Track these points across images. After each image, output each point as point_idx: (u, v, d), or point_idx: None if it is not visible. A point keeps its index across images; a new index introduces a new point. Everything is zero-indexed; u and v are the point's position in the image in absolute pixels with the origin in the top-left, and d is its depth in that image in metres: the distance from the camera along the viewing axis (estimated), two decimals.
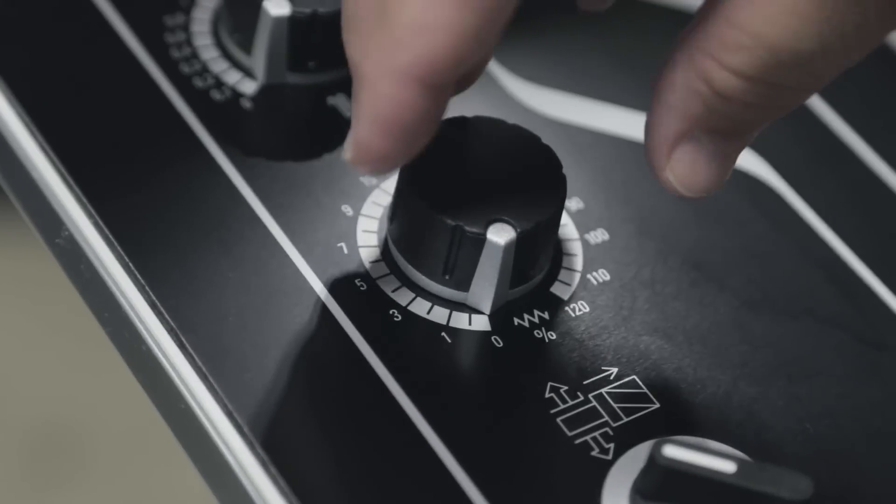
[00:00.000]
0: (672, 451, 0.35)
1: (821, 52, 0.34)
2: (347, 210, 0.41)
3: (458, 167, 0.38)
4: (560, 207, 0.39)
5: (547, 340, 0.39)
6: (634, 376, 0.39)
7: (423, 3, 0.32)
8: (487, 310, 0.39)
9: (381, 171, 0.36)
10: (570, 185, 0.40)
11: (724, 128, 0.36)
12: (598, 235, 0.41)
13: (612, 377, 0.39)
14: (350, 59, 0.35)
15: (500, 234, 0.38)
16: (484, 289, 0.38)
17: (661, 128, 0.36)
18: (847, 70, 0.36)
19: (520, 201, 0.38)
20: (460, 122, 0.39)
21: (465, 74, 0.36)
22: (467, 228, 0.37)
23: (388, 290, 0.39)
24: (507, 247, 0.38)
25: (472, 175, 0.39)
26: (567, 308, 0.40)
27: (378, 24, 0.33)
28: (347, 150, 0.35)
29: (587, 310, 0.40)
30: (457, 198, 0.38)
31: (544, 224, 0.39)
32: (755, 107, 0.35)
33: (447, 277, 0.39)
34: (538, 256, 0.39)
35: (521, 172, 0.39)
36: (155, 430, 0.43)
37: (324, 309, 0.39)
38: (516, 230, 0.38)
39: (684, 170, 0.37)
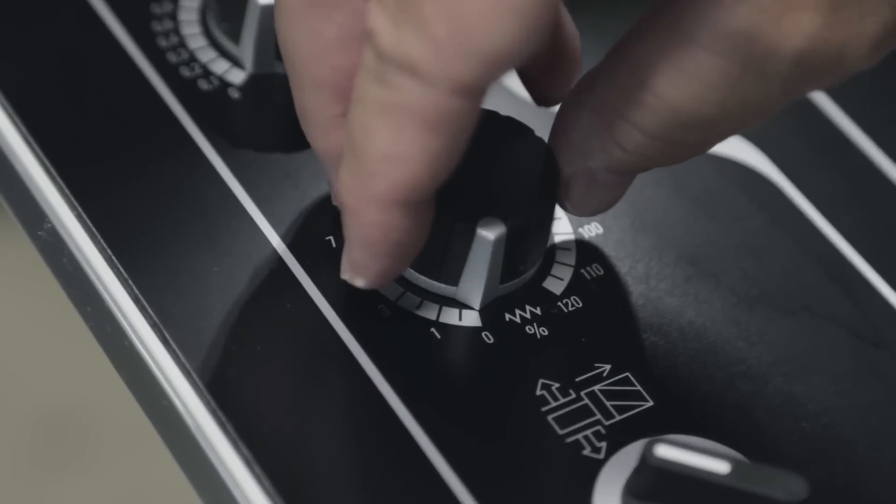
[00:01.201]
0: (664, 451, 0.34)
1: (721, 118, 0.34)
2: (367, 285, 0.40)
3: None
4: (553, 202, 0.38)
5: (539, 336, 0.38)
6: (628, 373, 0.38)
7: (391, 134, 0.32)
8: (477, 305, 0.38)
9: (380, 285, 0.37)
10: None
11: (621, 168, 0.37)
12: (592, 229, 0.40)
13: (605, 374, 0.38)
14: (331, 188, 0.37)
15: (490, 229, 0.37)
16: (473, 284, 0.38)
17: (560, 157, 0.37)
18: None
19: (513, 195, 0.38)
20: None
21: None
22: (457, 222, 0.37)
23: None
24: (497, 241, 0.37)
25: (465, 168, 0.38)
26: (560, 303, 0.39)
27: (351, 157, 0.34)
28: (345, 271, 0.36)
29: (580, 305, 0.39)
30: (448, 191, 0.37)
31: (537, 219, 0.38)
32: (653, 157, 0.36)
33: (437, 272, 0.38)
34: (530, 251, 0.39)
35: (515, 165, 0.38)
36: None
37: (310, 303, 0.38)
38: (507, 224, 0.37)
39: (578, 194, 0.38)
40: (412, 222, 0.34)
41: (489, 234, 0.37)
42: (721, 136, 0.36)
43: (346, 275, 0.36)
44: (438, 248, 0.37)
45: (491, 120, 0.39)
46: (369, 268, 0.35)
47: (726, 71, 0.33)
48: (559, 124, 0.37)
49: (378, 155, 0.33)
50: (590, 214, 0.39)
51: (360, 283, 0.36)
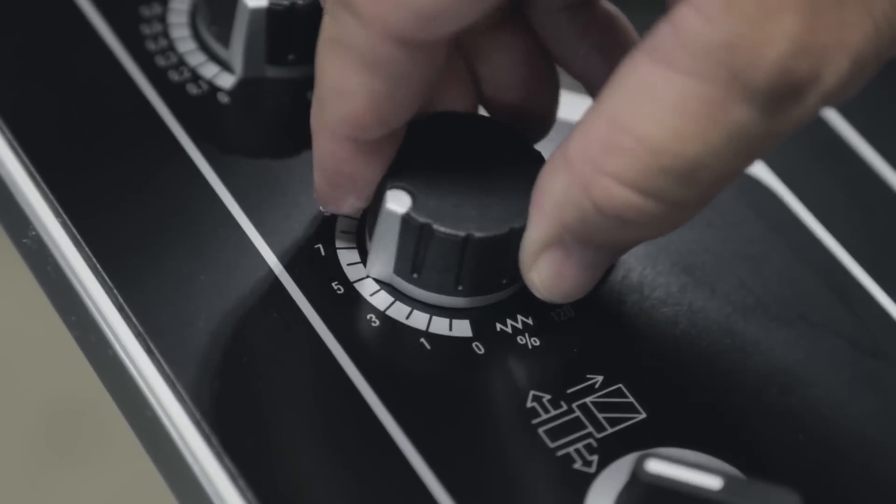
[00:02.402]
0: (656, 467, 0.33)
1: (706, 158, 0.32)
2: (325, 210, 0.39)
3: (438, 167, 0.37)
4: None
5: (530, 347, 0.38)
6: (621, 384, 0.37)
7: (338, 68, 0.34)
8: (376, 275, 0.37)
9: (341, 212, 0.37)
10: None
11: (597, 241, 0.35)
12: None
13: (597, 385, 0.37)
14: None
15: (397, 203, 0.36)
16: (381, 259, 0.37)
17: (533, 229, 0.35)
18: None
19: (500, 202, 0.37)
20: (439, 118, 0.38)
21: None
22: (437, 228, 0.36)
23: (365, 293, 0.38)
24: (405, 217, 0.36)
25: (453, 176, 0.37)
26: (552, 313, 0.38)
27: (315, 85, 0.35)
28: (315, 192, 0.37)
29: (573, 315, 0.38)
30: (435, 199, 0.37)
31: (520, 230, 0.37)
32: (633, 224, 0.33)
33: (415, 276, 0.37)
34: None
35: (505, 170, 0.38)
36: None
37: (298, 313, 0.37)
38: (414, 197, 0.36)
39: (549, 274, 0.36)
40: (363, 159, 0.35)
41: (398, 208, 0.36)
42: (706, 192, 0.33)
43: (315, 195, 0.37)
44: (417, 254, 0.37)
45: (490, 129, 0.38)
46: (325, 193, 0.37)
47: (707, 96, 0.31)
48: (533, 197, 0.35)
49: (328, 86, 0.34)
50: (558, 300, 0.36)
51: (323, 207, 0.37)
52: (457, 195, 0.37)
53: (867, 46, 0.31)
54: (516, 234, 0.36)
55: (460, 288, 0.37)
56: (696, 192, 0.33)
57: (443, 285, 0.37)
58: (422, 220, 0.36)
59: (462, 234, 0.36)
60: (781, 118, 0.32)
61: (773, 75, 0.31)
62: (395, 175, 0.37)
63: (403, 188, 0.36)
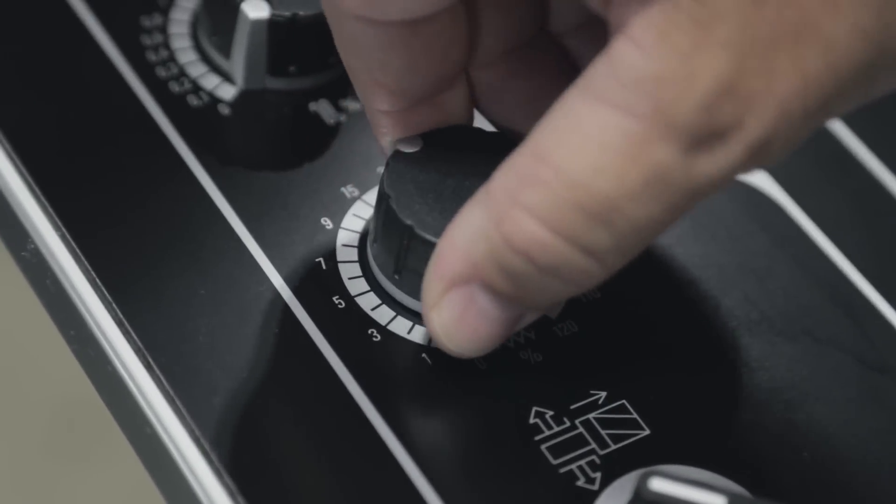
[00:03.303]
0: (659, 485, 0.33)
1: (621, 199, 0.30)
2: (327, 223, 0.39)
3: (440, 181, 0.37)
4: None
5: (532, 362, 0.37)
6: (624, 401, 0.37)
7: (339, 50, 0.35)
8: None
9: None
10: None
11: (503, 289, 0.32)
12: None
13: (600, 402, 0.37)
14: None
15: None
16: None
17: (440, 262, 0.33)
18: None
19: None
20: (441, 133, 0.37)
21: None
22: (419, 232, 0.35)
23: (367, 308, 0.38)
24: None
25: (455, 189, 0.37)
26: (555, 328, 0.38)
27: None
28: None
29: (576, 330, 0.38)
30: (438, 213, 0.36)
31: None
32: (543, 270, 0.32)
33: (396, 277, 0.37)
34: None
35: None
36: None
37: (299, 328, 0.37)
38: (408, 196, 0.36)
39: (450, 319, 0.33)
40: (379, 41, 0.34)
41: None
42: (623, 237, 0.31)
43: None
44: (401, 256, 0.36)
45: (482, 137, 0.38)
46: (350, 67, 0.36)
47: (629, 131, 0.30)
48: (451, 223, 0.33)
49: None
50: (456, 351, 0.34)
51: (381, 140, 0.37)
52: (448, 204, 0.36)
53: (795, 100, 0.30)
54: None
55: None
56: (610, 239, 0.31)
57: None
58: (407, 221, 0.36)
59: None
60: (703, 165, 0.30)
61: (697, 113, 0.30)
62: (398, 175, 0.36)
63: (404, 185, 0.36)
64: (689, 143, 0.30)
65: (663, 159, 0.30)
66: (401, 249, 0.36)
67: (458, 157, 0.37)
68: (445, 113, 0.36)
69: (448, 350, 0.34)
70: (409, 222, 0.36)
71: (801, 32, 0.30)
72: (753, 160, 0.31)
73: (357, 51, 0.35)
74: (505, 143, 0.37)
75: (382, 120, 0.36)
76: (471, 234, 0.32)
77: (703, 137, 0.30)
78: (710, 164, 0.30)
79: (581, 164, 0.30)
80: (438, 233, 0.36)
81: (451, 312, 0.33)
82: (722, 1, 0.30)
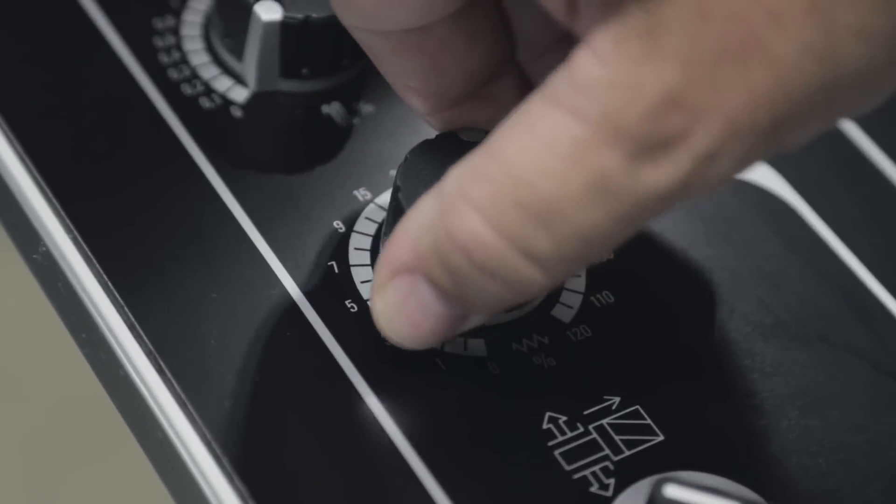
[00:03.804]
0: (674, 491, 0.33)
1: (562, 201, 0.30)
2: (339, 226, 0.39)
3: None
4: None
5: (546, 367, 0.37)
6: (638, 406, 0.37)
7: None
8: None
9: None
10: None
11: (443, 284, 0.32)
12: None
13: (614, 407, 0.37)
14: None
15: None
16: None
17: (391, 247, 0.33)
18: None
19: None
20: (452, 136, 0.37)
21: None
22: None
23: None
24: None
25: None
26: (568, 332, 0.38)
27: None
28: None
29: (589, 334, 0.38)
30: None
31: None
32: (482, 269, 0.31)
33: None
34: None
35: None
36: None
37: (311, 332, 0.37)
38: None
39: (392, 304, 0.33)
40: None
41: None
42: (563, 244, 0.30)
43: None
44: None
45: None
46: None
47: (577, 134, 0.30)
48: (408, 211, 0.33)
49: None
50: (394, 338, 0.34)
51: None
52: None
53: (743, 115, 0.30)
54: None
55: None
56: (551, 244, 0.31)
57: None
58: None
59: None
60: (648, 174, 0.30)
61: (643, 121, 0.30)
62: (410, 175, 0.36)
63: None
64: (634, 151, 0.30)
65: (608, 165, 0.30)
66: None
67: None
68: (497, 106, 0.36)
69: (388, 337, 0.34)
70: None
71: (748, 48, 0.30)
72: (701, 174, 0.30)
73: (378, 59, 0.35)
74: None
75: (431, 122, 0.36)
76: (420, 224, 0.32)
77: (649, 146, 0.30)
78: (656, 174, 0.30)
79: (527, 162, 0.30)
80: None
81: (394, 299, 0.33)
82: (669, 12, 0.30)
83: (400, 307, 0.33)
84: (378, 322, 0.34)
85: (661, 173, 0.30)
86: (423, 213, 0.32)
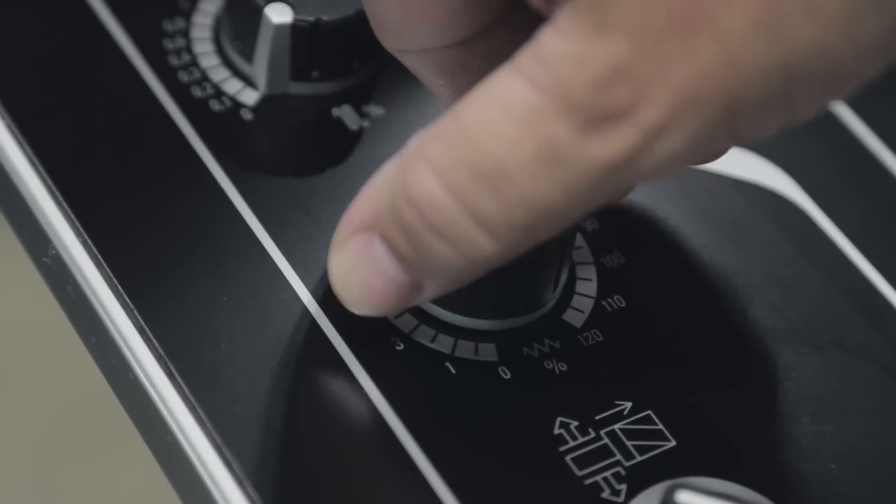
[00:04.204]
0: (686, 497, 0.33)
1: (511, 165, 0.30)
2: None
3: None
4: (574, 231, 0.37)
5: (557, 372, 0.37)
6: (650, 411, 0.37)
7: None
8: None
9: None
10: None
11: (397, 243, 0.32)
12: (614, 259, 0.39)
13: (625, 412, 0.37)
14: None
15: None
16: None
17: (353, 206, 0.33)
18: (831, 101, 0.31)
19: None
20: None
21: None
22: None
23: (390, 316, 0.37)
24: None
25: None
26: (580, 337, 0.38)
27: None
28: None
29: (601, 339, 0.38)
30: None
31: (556, 244, 0.36)
32: (430, 230, 0.31)
33: (460, 306, 0.37)
34: (548, 281, 0.37)
35: None
36: None
37: (321, 335, 0.37)
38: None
39: (348, 264, 0.33)
40: None
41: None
42: (510, 211, 0.31)
43: None
44: None
45: None
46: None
47: (531, 102, 0.30)
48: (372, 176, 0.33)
49: None
50: (346, 300, 0.34)
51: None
52: None
53: (690, 90, 0.30)
54: (523, 261, 0.36)
55: (460, 307, 0.36)
56: (498, 209, 0.31)
57: (444, 300, 0.36)
58: None
59: None
60: (596, 146, 0.30)
61: (591, 92, 0.30)
62: None
63: None
64: (582, 122, 0.30)
65: (557, 134, 0.30)
66: None
67: None
68: None
69: (341, 299, 0.34)
70: None
71: (696, 21, 0.30)
72: (648, 149, 0.30)
73: (426, 82, 0.35)
74: None
75: None
76: (382, 182, 0.32)
77: (597, 118, 0.30)
78: (603, 146, 0.30)
79: (483, 125, 0.31)
80: None
81: (350, 258, 0.33)
82: None
83: (355, 267, 0.33)
84: (332, 282, 0.34)
85: (609, 146, 0.30)
86: (386, 172, 0.33)
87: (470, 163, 0.31)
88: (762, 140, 0.32)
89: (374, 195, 0.33)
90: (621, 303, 0.38)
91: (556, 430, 0.36)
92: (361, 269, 0.33)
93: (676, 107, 0.30)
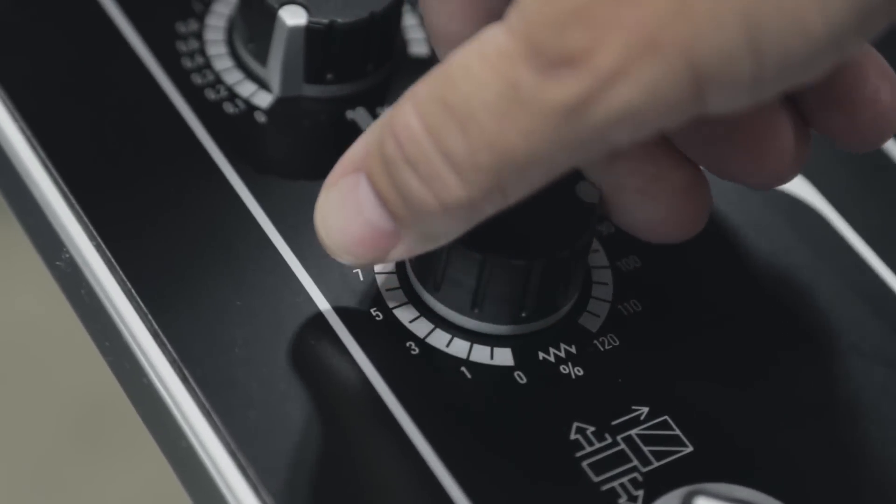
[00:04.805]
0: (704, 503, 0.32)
1: (476, 103, 0.31)
2: None
3: None
4: (590, 235, 0.37)
5: (573, 377, 0.37)
6: (667, 416, 0.36)
7: None
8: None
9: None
10: None
11: (377, 179, 0.33)
12: (630, 262, 0.39)
13: (642, 417, 0.36)
14: None
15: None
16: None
17: (351, 148, 0.34)
18: None
19: (550, 228, 0.36)
20: None
21: None
22: (495, 257, 0.35)
23: (405, 320, 0.37)
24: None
25: None
26: (596, 341, 0.37)
27: None
28: None
29: (617, 343, 0.37)
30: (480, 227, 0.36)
31: (575, 251, 0.36)
32: (405, 163, 0.32)
33: (475, 311, 0.36)
34: (567, 284, 0.37)
35: (552, 198, 0.37)
36: None
37: (336, 340, 0.37)
38: (537, 260, 0.35)
39: (334, 202, 0.34)
40: None
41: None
42: (476, 152, 0.31)
43: None
44: (478, 285, 0.36)
45: None
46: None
47: (503, 46, 0.31)
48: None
49: None
50: (326, 242, 0.34)
51: None
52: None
53: (644, 33, 0.30)
54: (539, 264, 0.35)
55: (476, 311, 0.36)
56: (464, 147, 0.31)
57: (460, 305, 0.36)
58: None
59: (479, 255, 0.35)
60: (553, 89, 0.30)
61: (550, 34, 0.30)
62: None
63: None
64: (542, 65, 0.30)
65: (520, 77, 0.31)
66: (440, 262, 0.36)
67: None
68: None
69: (320, 238, 0.35)
70: (480, 256, 0.35)
71: None
72: (602, 95, 0.30)
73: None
74: None
75: None
76: (376, 125, 0.34)
77: (554, 61, 0.30)
78: (559, 89, 0.30)
79: (460, 64, 0.31)
80: (480, 245, 0.35)
81: (335, 198, 0.34)
82: None
83: (338, 206, 0.34)
84: (315, 220, 0.35)
85: (564, 89, 0.30)
86: (381, 117, 0.34)
87: (443, 99, 0.31)
88: (734, 110, 0.31)
89: (367, 137, 0.34)
90: (637, 307, 0.38)
91: (573, 436, 0.36)
92: (343, 211, 0.34)
93: (631, 52, 0.30)
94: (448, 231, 0.33)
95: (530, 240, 0.36)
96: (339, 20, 0.40)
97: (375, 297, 0.37)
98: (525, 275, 0.36)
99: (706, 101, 0.31)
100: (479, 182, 0.32)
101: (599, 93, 0.30)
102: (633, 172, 0.36)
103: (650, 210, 0.36)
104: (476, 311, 0.36)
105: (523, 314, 0.37)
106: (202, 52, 0.41)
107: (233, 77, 0.41)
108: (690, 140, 0.36)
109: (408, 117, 0.32)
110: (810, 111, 0.36)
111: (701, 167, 0.37)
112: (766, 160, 0.36)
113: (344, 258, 0.35)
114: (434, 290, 0.36)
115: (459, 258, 0.36)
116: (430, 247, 0.34)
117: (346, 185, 0.34)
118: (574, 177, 0.37)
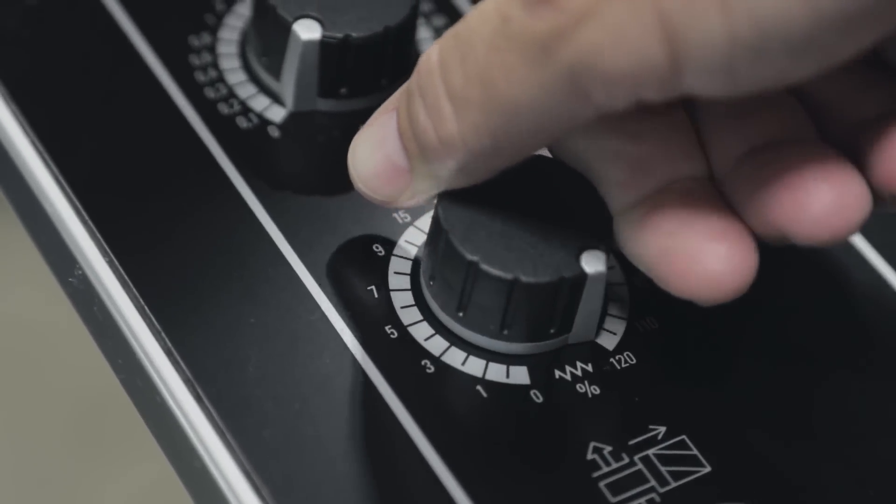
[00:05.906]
0: None
1: (472, 35, 0.33)
2: (378, 249, 0.38)
3: (501, 208, 0.36)
4: (605, 249, 0.36)
5: (590, 395, 0.36)
6: (684, 436, 0.36)
7: None
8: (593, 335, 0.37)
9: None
10: None
11: (401, 115, 0.35)
12: (646, 280, 0.38)
13: (659, 437, 0.36)
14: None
15: (592, 264, 0.35)
16: (586, 322, 0.36)
17: (395, 93, 0.36)
18: None
19: (565, 244, 0.36)
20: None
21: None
22: (524, 279, 0.35)
23: (420, 338, 0.37)
24: (596, 276, 0.35)
25: (516, 217, 0.36)
26: (612, 360, 0.37)
27: None
28: None
29: (634, 362, 0.37)
30: (494, 241, 0.35)
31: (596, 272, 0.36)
32: (419, 90, 0.34)
33: (499, 330, 0.36)
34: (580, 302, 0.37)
35: (567, 213, 0.36)
36: None
37: (351, 358, 0.36)
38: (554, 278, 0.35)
39: (363, 136, 0.36)
40: None
41: (593, 268, 0.36)
42: (472, 83, 0.33)
43: None
44: (507, 308, 0.35)
45: (542, 165, 0.37)
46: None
47: (504, 13, 0.32)
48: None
49: None
50: (352, 173, 0.36)
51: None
52: (510, 237, 0.35)
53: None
54: (566, 283, 0.35)
55: (505, 332, 0.36)
56: (461, 77, 0.33)
57: (486, 327, 0.36)
58: (470, 257, 0.35)
59: (509, 276, 0.35)
60: (531, 24, 0.32)
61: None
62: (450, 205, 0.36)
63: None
64: (528, 1, 0.32)
65: (510, 11, 0.32)
66: (465, 286, 0.35)
67: (515, 188, 0.36)
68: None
69: (350, 167, 0.36)
70: (473, 258, 0.35)
71: None
72: (575, 35, 0.31)
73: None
74: (568, 172, 0.36)
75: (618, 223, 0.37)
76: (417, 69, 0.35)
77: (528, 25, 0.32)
78: (537, 23, 0.32)
79: (479, 5, 0.33)
80: (506, 266, 0.35)
81: (370, 130, 0.36)
82: None
83: (368, 138, 0.36)
84: (349, 151, 0.36)
85: (540, 23, 0.32)
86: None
87: (455, 32, 0.34)
88: (711, 94, 0.31)
89: (407, 83, 0.35)
90: (654, 325, 0.38)
91: (590, 456, 0.35)
92: (370, 143, 0.36)
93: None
94: (448, 175, 0.35)
95: (549, 259, 0.36)
96: (354, 34, 0.39)
97: (390, 314, 0.37)
98: (541, 293, 0.35)
99: (679, 63, 0.31)
100: (470, 119, 0.33)
101: (569, 31, 0.31)
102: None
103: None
104: (505, 332, 0.36)
105: (551, 330, 0.36)
106: (215, 65, 0.41)
107: (246, 91, 0.41)
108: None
109: (431, 51, 0.34)
110: None
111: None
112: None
113: (363, 189, 0.36)
114: (459, 316, 0.36)
115: (486, 283, 0.35)
116: (432, 190, 0.36)
117: (380, 121, 0.35)
118: (583, 242, 0.36)
